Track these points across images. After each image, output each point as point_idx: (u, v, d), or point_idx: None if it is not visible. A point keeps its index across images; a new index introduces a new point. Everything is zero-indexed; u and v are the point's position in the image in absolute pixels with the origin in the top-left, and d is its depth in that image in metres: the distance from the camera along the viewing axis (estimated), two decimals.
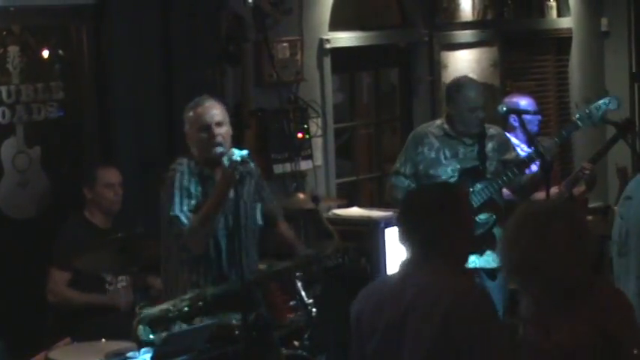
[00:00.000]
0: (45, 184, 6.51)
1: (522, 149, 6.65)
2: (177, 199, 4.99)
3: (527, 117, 6.60)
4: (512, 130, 6.80)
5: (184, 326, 4.76)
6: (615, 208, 5.42)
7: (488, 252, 6.10)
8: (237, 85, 6.89)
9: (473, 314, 3.35)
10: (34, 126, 6.44)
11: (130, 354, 4.70)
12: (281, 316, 5.10)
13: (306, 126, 7.26)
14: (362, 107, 8.43)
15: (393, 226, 6.78)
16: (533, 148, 6.09)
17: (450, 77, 8.19)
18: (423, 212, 3.53)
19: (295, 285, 5.02)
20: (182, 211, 4.98)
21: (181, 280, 5.08)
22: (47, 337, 5.40)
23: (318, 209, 5.95)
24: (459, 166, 6.12)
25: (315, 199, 5.97)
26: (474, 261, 6.06)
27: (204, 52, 6.68)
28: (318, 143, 7.42)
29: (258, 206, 5.29)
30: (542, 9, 9.54)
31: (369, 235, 6.88)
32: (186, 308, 4.75)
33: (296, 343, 5.07)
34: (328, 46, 7.53)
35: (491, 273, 6.13)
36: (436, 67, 8.32)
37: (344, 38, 7.72)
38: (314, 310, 5.00)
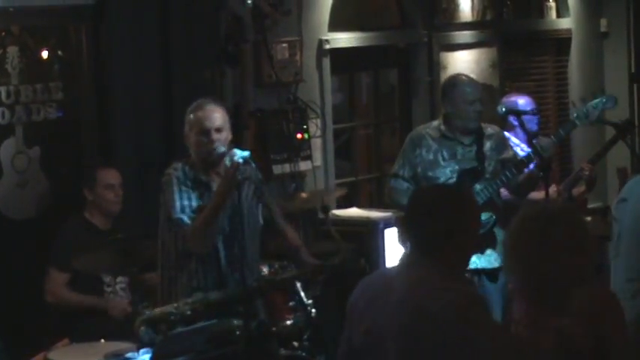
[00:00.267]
0: (44, 184, 6.51)
1: (522, 149, 6.65)
2: (177, 202, 4.99)
3: (526, 116, 6.60)
4: (511, 129, 6.80)
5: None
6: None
7: (489, 252, 6.10)
8: (236, 86, 6.88)
9: (461, 318, 3.34)
10: (33, 126, 6.44)
11: (129, 354, 4.70)
12: (280, 316, 5.09)
13: (305, 126, 7.26)
14: (361, 108, 8.43)
15: (392, 226, 6.79)
16: (532, 148, 6.10)
17: None
18: (425, 211, 3.52)
19: (295, 286, 5.02)
20: (184, 212, 4.98)
21: (180, 284, 5.07)
22: (46, 338, 5.39)
23: (328, 220, 5.87)
24: (457, 167, 6.12)
25: (325, 209, 5.92)
26: (474, 261, 6.06)
27: (203, 52, 6.68)
28: (317, 144, 7.42)
29: (259, 206, 5.29)
30: (541, 10, 9.54)
31: (368, 236, 6.89)
32: (188, 312, 4.75)
33: (295, 343, 5.06)
34: (327, 46, 7.53)
35: (492, 273, 6.13)
36: (435, 67, 8.32)
37: (343, 39, 7.72)
38: (313, 310, 5.00)
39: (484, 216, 6.06)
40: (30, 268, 6.16)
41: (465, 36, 8.61)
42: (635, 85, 9.61)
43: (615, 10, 9.76)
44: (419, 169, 6.16)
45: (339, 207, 7.36)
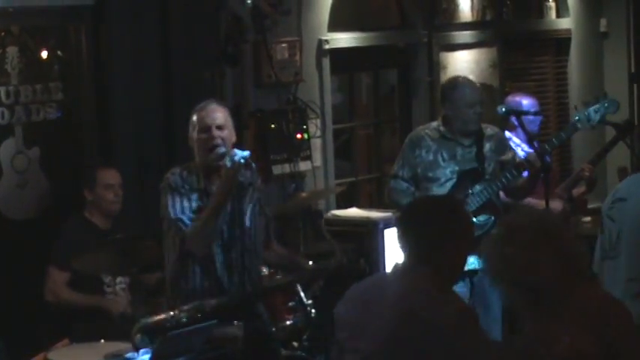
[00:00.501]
0: (44, 184, 6.51)
1: (523, 149, 6.65)
2: (177, 204, 4.98)
3: (528, 117, 6.61)
4: (513, 129, 6.80)
5: None
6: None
7: None
8: (236, 86, 6.88)
9: (448, 328, 3.35)
10: (32, 127, 6.44)
11: (128, 355, 4.70)
12: (280, 316, 5.10)
13: (305, 127, 7.25)
14: (361, 108, 8.43)
15: (392, 226, 6.78)
16: (532, 148, 6.10)
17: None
18: (420, 220, 3.55)
19: (294, 286, 5.02)
20: (183, 213, 4.97)
21: (179, 288, 5.07)
22: (46, 338, 5.39)
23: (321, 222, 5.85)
24: (457, 168, 6.12)
25: (317, 213, 5.90)
26: (473, 262, 6.06)
27: (203, 52, 6.68)
28: (317, 144, 7.42)
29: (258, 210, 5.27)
30: (541, 10, 9.54)
31: (368, 236, 6.89)
32: (184, 319, 4.74)
33: (295, 344, 5.07)
34: (327, 46, 7.52)
35: None
36: (435, 67, 8.32)
37: (343, 39, 7.72)
38: (313, 310, 5.00)
39: (483, 217, 6.07)
40: (30, 268, 6.16)
41: (464, 36, 8.61)
42: (634, 85, 9.61)
43: (615, 10, 9.76)
44: (418, 170, 6.16)
45: (339, 207, 7.36)
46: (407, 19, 8.31)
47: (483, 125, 6.22)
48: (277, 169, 7.06)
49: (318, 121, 7.43)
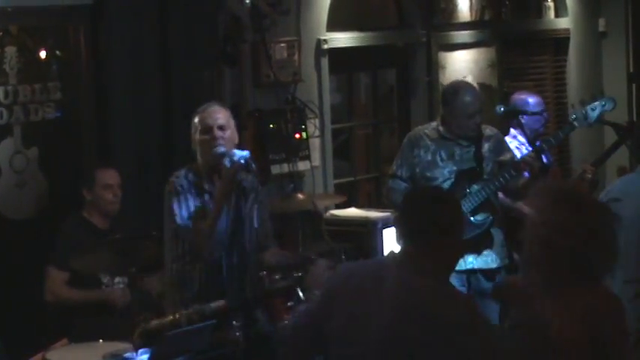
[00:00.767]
0: (42, 184, 6.51)
1: (527, 147, 6.65)
2: (184, 210, 4.98)
3: (531, 116, 6.63)
4: (518, 126, 6.79)
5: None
6: None
7: (487, 252, 6.10)
8: (235, 86, 6.89)
9: (457, 321, 3.36)
10: (31, 126, 6.43)
11: (127, 355, 4.69)
12: (280, 316, 5.09)
13: (303, 126, 7.26)
14: (360, 108, 8.43)
15: (390, 226, 6.78)
16: (532, 148, 6.11)
17: (447, 78, 8.22)
18: (417, 210, 3.57)
19: (294, 288, 5.02)
20: (190, 218, 4.97)
21: (180, 292, 5.07)
22: (44, 338, 5.39)
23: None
24: (455, 168, 6.11)
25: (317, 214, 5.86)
26: (471, 262, 6.07)
27: (202, 52, 6.68)
28: (315, 144, 7.42)
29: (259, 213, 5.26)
30: (539, 9, 9.55)
31: (366, 236, 6.90)
32: (185, 324, 4.73)
33: None
34: (326, 46, 7.53)
35: (489, 274, 6.12)
36: (434, 67, 8.33)
37: (342, 39, 7.72)
38: None
39: (481, 217, 6.06)
40: (29, 268, 6.16)
41: (463, 36, 8.62)
42: (633, 85, 9.62)
43: (613, 10, 9.77)
44: (417, 170, 6.16)
45: (337, 207, 7.36)
46: (405, 19, 8.32)
47: (482, 126, 6.22)
48: (276, 169, 7.06)
49: (317, 121, 7.43)
